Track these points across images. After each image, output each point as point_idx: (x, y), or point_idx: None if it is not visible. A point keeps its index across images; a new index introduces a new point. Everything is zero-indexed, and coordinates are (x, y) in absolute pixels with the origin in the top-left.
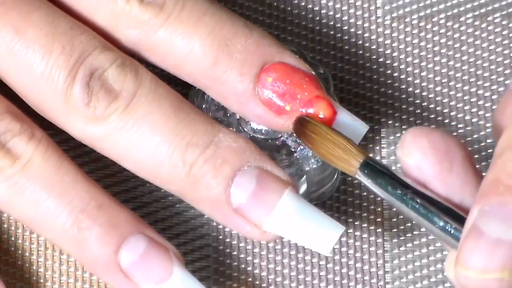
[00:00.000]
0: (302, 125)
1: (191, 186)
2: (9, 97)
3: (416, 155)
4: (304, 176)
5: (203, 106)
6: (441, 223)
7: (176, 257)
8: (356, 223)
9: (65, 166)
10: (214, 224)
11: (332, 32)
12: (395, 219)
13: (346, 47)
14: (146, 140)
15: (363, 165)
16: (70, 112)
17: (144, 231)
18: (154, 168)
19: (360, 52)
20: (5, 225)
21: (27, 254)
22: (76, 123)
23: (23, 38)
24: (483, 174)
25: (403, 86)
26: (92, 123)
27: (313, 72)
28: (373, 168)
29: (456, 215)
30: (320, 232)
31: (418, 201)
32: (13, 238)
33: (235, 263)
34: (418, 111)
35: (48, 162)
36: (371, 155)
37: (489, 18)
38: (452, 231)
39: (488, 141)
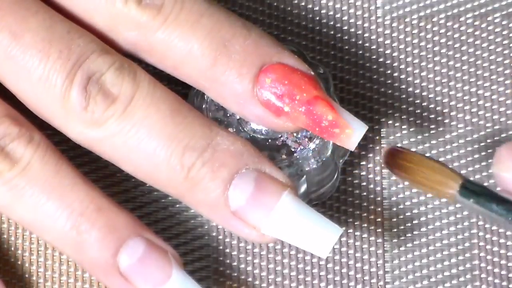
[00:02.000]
0: (394, 155)
1: (190, 189)
2: (8, 98)
3: None
4: (304, 176)
5: (203, 106)
6: None
7: (175, 259)
8: (356, 223)
9: (64, 169)
10: (214, 224)
11: (332, 32)
12: (395, 219)
13: (346, 47)
14: (143, 144)
15: (462, 187)
16: (68, 116)
17: (143, 233)
18: (152, 172)
19: (360, 52)
20: (5, 225)
21: (27, 254)
22: (74, 127)
23: (20, 43)
24: None
25: (403, 86)
26: (90, 127)
27: (312, 72)
28: (472, 189)
29: None
30: (318, 234)
31: None
32: (13, 238)
33: (235, 263)
34: (418, 111)
35: (46, 165)
36: (370, 155)
37: (489, 18)
38: None
39: (488, 141)
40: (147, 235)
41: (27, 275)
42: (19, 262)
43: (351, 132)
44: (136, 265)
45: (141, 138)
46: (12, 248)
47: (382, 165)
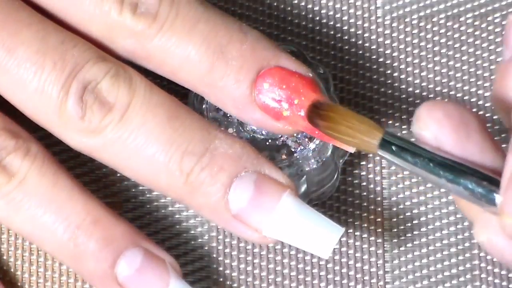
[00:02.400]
0: (317, 107)
1: (190, 194)
2: (9, 107)
3: (432, 127)
4: (304, 176)
5: (203, 106)
6: (471, 185)
7: (173, 268)
8: (356, 223)
9: (61, 180)
10: (214, 224)
11: (332, 32)
12: (395, 219)
13: (346, 47)
14: (142, 151)
15: (383, 140)
16: (66, 126)
17: (140, 243)
18: (152, 177)
19: (360, 52)
20: (4, 225)
21: (26, 254)
22: (73, 136)
23: (14, 56)
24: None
25: (403, 86)
26: (89, 136)
27: (311, 74)
28: (393, 142)
29: (484, 176)
30: (319, 235)
31: (446, 164)
32: (12, 238)
33: (235, 263)
34: None
35: (43, 178)
36: (371, 155)
37: (489, 18)
38: (482, 191)
39: None
40: (145, 244)
41: (27, 275)
42: (19, 262)
43: None
44: (134, 276)
45: (140, 145)
46: (12, 248)
47: (383, 165)
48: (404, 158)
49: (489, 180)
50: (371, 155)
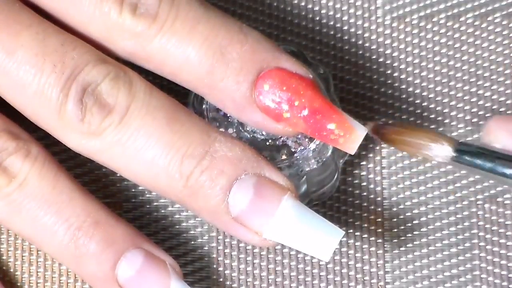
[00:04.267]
0: (383, 128)
1: (190, 197)
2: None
3: (503, 139)
4: (305, 177)
5: (203, 106)
6: None
7: (174, 269)
8: (356, 223)
9: (62, 182)
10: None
11: (332, 32)
12: (395, 219)
13: (346, 47)
14: (142, 153)
15: (457, 150)
16: (66, 128)
17: (141, 244)
18: (152, 180)
19: (360, 52)
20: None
21: (26, 254)
22: (73, 138)
23: (13, 59)
24: None
25: (403, 86)
26: (88, 138)
27: (311, 75)
28: (467, 150)
29: None
30: (319, 237)
31: None
32: (12, 238)
33: (235, 263)
34: (418, 111)
35: (44, 180)
36: (371, 155)
37: (489, 18)
38: None
39: None
40: (146, 245)
41: (26, 275)
42: (19, 262)
43: (351, 136)
44: (134, 277)
45: (139, 148)
46: (12, 248)
47: (383, 165)
48: (479, 163)
49: None
50: (371, 155)
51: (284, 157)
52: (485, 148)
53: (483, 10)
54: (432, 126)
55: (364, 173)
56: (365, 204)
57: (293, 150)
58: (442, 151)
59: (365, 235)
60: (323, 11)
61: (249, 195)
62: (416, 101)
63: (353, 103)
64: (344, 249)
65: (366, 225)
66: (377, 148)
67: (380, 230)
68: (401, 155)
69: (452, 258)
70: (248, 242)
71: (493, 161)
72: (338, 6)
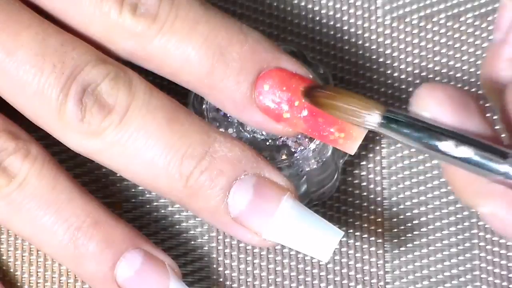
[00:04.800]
0: (315, 89)
1: (189, 197)
2: (10, 108)
3: (432, 107)
4: (305, 177)
5: (203, 106)
6: (476, 155)
7: (173, 270)
8: (356, 223)
9: (61, 182)
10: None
11: (332, 32)
12: (395, 219)
13: (346, 47)
14: (142, 154)
15: (385, 117)
16: (66, 128)
17: (140, 245)
18: (152, 180)
19: (360, 52)
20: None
21: (26, 254)
22: (72, 138)
23: (13, 59)
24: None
25: (403, 86)
26: (88, 138)
27: (311, 76)
28: (395, 117)
29: (487, 145)
30: (319, 238)
31: (449, 135)
32: (12, 238)
33: (235, 263)
34: None
35: (43, 180)
36: (371, 155)
37: (489, 18)
38: (487, 160)
39: None
40: (145, 246)
41: (26, 275)
42: (19, 263)
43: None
44: (133, 278)
45: (139, 148)
46: (11, 248)
47: (383, 165)
48: (406, 132)
49: (492, 149)
50: (371, 155)
51: (284, 157)
52: (414, 118)
53: (483, 10)
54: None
55: (364, 173)
56: (365, 204)
57: (293, 150)
58: (370, 118)
59: (365, 235)
60: (323, 11)
61: (248, 196)
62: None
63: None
64: (344, 249)
65: (366, 225)
66: (377, 148)
67: (380, 230)
68: (401, 155)
69: (452, 258)
70: (248, 242)
71: (421, 131)
72: (338, 6)
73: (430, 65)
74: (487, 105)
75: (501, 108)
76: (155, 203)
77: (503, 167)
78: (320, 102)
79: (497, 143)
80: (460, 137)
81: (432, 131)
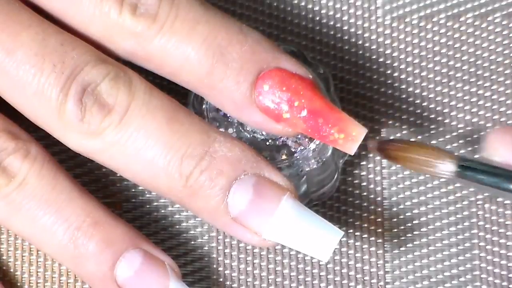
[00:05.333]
0: (386, 144)
1: (189, 197)
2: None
3: (502, 151)
4: (304, 177)
5: (203, 107)
6: None
7: (173, 270)
8: (356, 223)
9: (61, 182)
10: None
11: (332, 32)
12: (395, 219)
13: (346, 47)
14: (141, 153)
15: (460, 166)
16: (66, 128)
17: (140, 245)
18: (152, 180)
19: (360, 52)
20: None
21: (26, 254)
22: (72, 138)
23: (13, 59)
24: None
25: (403, 86)
26: (88, 138)
27: (311, 76)
28: (470, 166)
29: None
30: (319, 238)
31: None
32: (12, 238)
33: (235, 263)
34: (418, 111)
35: (43, 180)
36: (371, 155)
37: (489, 18)
38: None
39: None
40: (145, 246)
41: (26, 275)
42: (19, 263)
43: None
44: (133, 278)
45: (139, 148)
46: (12, 248)
47: (383, 165)
48: (481, 179)
49: None
50: (371, 155)
51: (284, 157)
52: (487, 164)
53: (483, 10)
54: (432, 126)
55: (364, 173)
56: (365, 204)
57: (293, 150)
58: (446, 167)
59: (365, 235)
60: (323, 11)
61: (248, 195)
62: (416, 101)
63: (353, 103)
64: (344, 249)
65: (366, 225)
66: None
67: (380, 230)
68: None
69: (452, 258)
70: (248, 242)
71: (495, 176)
72: (338, 6)
73: (430, 65)
74: None
75: None
76: (155, 203)
77: None
78: (393, 155)
79: None
80: None
81: (504, 176)
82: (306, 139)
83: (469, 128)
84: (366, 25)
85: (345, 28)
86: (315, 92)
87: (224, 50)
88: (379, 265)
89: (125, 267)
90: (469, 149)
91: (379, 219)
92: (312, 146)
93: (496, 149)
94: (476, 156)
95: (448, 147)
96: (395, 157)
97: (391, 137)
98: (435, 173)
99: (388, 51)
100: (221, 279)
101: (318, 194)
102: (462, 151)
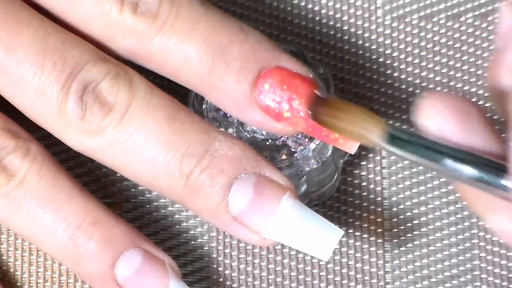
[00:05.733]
0: (318, 102)
1: (190, 196)
2: (10, 106)
3: (436, 116)
4: (304, 177)
5: (203, 106)
6: (479, 172)
7: (173, 269)
8: (356, 223)
9: (61, 181)
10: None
11: (332, 32)
12: (395, 219)
13: (346, 47)
14: (142, 152)
15: (387, 133)
16: (66, 126)
17: (140, 244)
18: (152, 179)
19: (360, 52)
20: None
21: (26, 254)
22: (73, 137)
23: (13, 57)
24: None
25: (403, 86)
26: (89, 136)
27: (311, 75)
28: (396, 134)
29: (491, 162)
30: (319, 237)
31: (452, 152)
32: (12, 238)
33: (235, 263)
34: None
35: (43, 179)
36: (371, 155)
37: (489, 18)
38: (492, 177)
39: None
40: (145, 245)
41: (26, 275)
42: (19, 262)
43: None
44: (133, 277)
45: (139, 146)
46: (11, 248)
47: (383, 165)
48: (409, 150)
49: (496, 166)
50: (371, 155)
51: (284, 157)
52: (417, 134)
53: (483, 10)
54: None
55: (364, 173)
56: (365, 204)
57: (293, 150)
58: (372, 136)
59: (365, 235)
60: (323, 11)
61: (249, 194)
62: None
63: (353, 103)
64: (344, 249)
65: (366, 225)
66: (377, 148)
67: (380, 230)
68: None
69: (452, 258)
70: (248, 241)
71: (424, 148)
72: (338, 6)
73: (430, 65)
74: (495, 117)
75: (504, 115)
76: (155, 203)
77: (505, 182)
78: (322, 119)
79: (502, 154)
80: (461, 155)
81: (435, 149)
82: (306, 139)
83: None
84: (366, 25)
85: (345, 28)
86: (315, 90)
87: (225, 49)
88: (379, 265)
89: (125, 266)
90: None
91: (379, 219)
92: (312, 146)
93: (429, 114)
94: (405, 126)
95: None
96: (324, 121)
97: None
98: (360, 140)
99: (388, 51)
100: (221, 279)
101: (318, 194)
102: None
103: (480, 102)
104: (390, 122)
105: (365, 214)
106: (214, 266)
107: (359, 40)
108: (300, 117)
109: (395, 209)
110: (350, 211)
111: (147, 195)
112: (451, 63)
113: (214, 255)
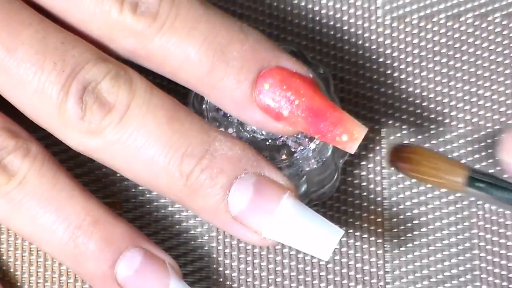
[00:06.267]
0: (398, 150)
1: (190, 196)
2: (10, 106)
3: None
4: (304, 177)
5: (203, 106)
6: None
7: (173, 269)
8: (356, 223)
9: (61, 181)
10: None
11: (332, 32)
12: (395, 219)
13: (346, 47)
14: (142, 152)
15: (469, 176)
16: (66, 126)
17: (140, 244)
18: (152, 179)
19: (360, 52)
20: (4, 225)
21: (26, 254)
22: (73, 137)
23: (13, 57)
24: None
25: (403, 86)
26: (89, 136)
27: (311, 75)
28: (480, 178)
29: None
30: (319, 237)
31: None
32: (12, 238)
33: (235, 263)
34: (418, 111)
35: (43, 178)
36: (371, 155)
37: (489, 18)
38: None
39: (488, 141)
40: (145, 245)
41: (26, 275)
42: (19, 262)
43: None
44: (133, 276)
45: (139, 146)
46: (11, 248)
47: (383, 165)
48: (493, 193)
49: None
50: (371, 155)
51: (284, 157)
52: (498, 177)
53: (483, 10)
54: (432, 126)
55: (364, 173)
56: (365, 204)
57: (293, 150)
58: (456, 179)
59: (365, 235)
60: (323, 11)
61: (248, 194)
62: (416, 101)
63: (353, 103)
64: (344, 249)
65: (366, 225)
66: (377, 148)
67: (380, 230)
68: None
69: (452, 258)
70: (248, 241)
71: (507, 191)
72: (338, 6)
73: (430, 65)
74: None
75: None
76: (155, 203)
77: None
78: (404, 167)
79: None
80: None
81: None
82: (306, 139)
83: (469, 128)
84: (366, 25)
85: (345, 28)
86: (315, 91)
87: (225, 49)
88: (379, 265)
89: (125, 266)
90: (469, 148)
91: (379, 219)
92: (312, 146)
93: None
94: (486, 163)
95: (448, 147)
96: (407, 169)
97: (400, 144)
98: (446, 186)
99: (388, 51)
100: (221, 279)
101: (318, 194)
102: (462, 151)
103: (480, 102)
104: (474, 167)
105: (365, 214)
106: (214, 266)
107: (359, 40)
108: (300, 117)
109: (395, 209)
110: (350, 211)
111: (147, 195)
112: (451, 63)
113: (214, 255)
